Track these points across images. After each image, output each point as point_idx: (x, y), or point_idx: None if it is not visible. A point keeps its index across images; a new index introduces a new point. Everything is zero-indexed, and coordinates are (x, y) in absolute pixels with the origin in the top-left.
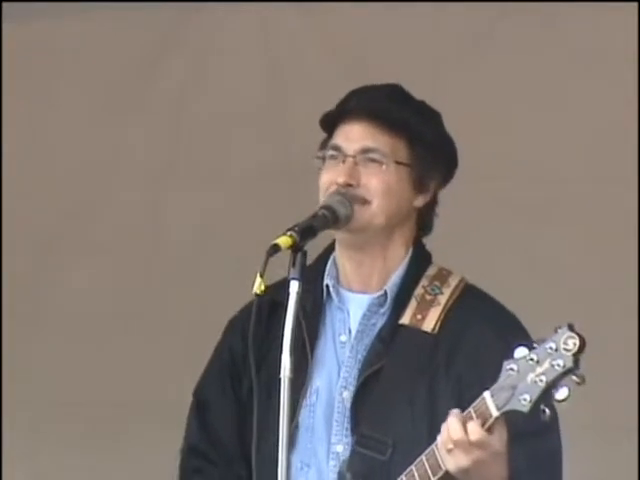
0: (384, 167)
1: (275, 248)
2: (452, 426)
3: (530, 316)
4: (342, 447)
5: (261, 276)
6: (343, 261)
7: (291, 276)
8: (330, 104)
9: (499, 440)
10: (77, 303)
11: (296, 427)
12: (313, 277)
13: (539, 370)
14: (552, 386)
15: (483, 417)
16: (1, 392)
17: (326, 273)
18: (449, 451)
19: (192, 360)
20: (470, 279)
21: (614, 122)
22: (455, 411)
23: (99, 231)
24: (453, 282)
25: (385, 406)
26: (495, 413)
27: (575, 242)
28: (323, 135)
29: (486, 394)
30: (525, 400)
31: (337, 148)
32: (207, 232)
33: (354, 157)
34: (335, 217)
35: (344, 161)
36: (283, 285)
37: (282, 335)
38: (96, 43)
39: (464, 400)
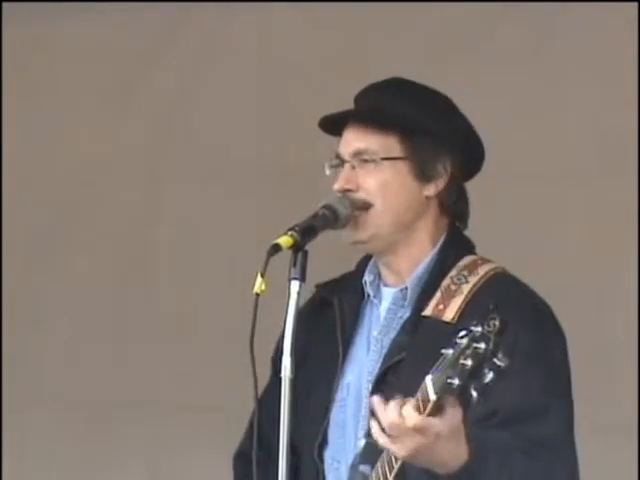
0: (375, 166)
1: (276, 248)
2: (389, 413)
3: None
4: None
5: (262, 276)
6: (378, 262)
7: (292, 276)
8: (327, 103)
9: (445, 422)
10: (73, 300)
11: (327, 423)
12: (355, 276)
13: (467, 352)
14: (477, 369)
15: (424, 402)
16: (1, 391)
17: (367, 270)
18: (393, 438)
19: (188, 358)
20: None
21: (614, 122)
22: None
23: (96, 228)
24: (482, 271)
25: (399, 398)
26: (433, 397)
27: (575, 241)
28: (320, 133)
29: (427, 378)
30: (454, 384)
31: (337, 155)
32: (204, 231)
33: (349, 161)
34: (335, 216)
35: (343, 167)
36: (334, 283)
37: (326, 331)
38: (96, 43)
39: None
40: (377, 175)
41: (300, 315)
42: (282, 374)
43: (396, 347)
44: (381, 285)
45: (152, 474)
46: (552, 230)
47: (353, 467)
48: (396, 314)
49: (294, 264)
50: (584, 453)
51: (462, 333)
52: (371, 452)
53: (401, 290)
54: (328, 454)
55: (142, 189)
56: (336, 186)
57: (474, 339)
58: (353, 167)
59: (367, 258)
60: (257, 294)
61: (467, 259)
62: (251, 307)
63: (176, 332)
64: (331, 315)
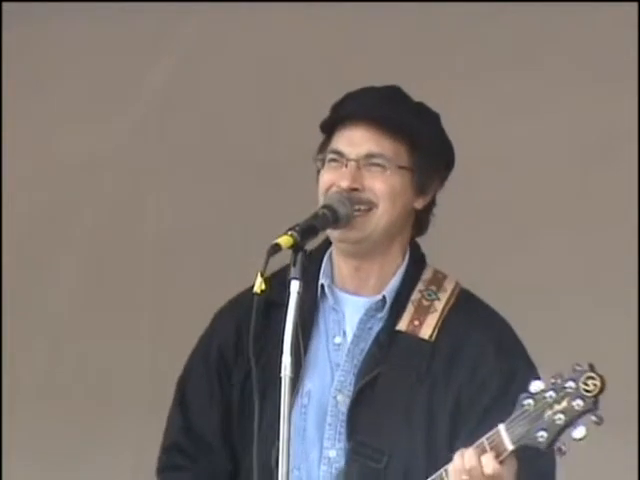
0: (388, 172)
1: (276, 248)
2: (468, 457)
3: (531, 314)
4: (335, 452)
5: (262, 276)
6: (339, 263)
7: (292, 276)
8: (327, 103)
9: (509, 471)
10: (59, 296)
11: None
12: (308, 275)
13: (557, 408)
14: (570, 425)
15: (497, 450)
16: (1, 389)
17: (321, 272)
18: None
19: (176, 354)
20: (466, 280)
21: (614, 122)
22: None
23: (82, 228)
24: (449, 287)
25: (382, 414)
26: (510, 447)
27: (575, 238)
28: (312, 133)
29: (501, 427)
30: (542, 437)
31: (339, 153)
32: (194, 229)
33: (357, 162)
34: (336, 217)
35: (347, 165)
36: (278, 283)
37: (279, 335)
38: (96, 43)
39: (461, 413)
40: (386, 180)
41: (245, 311)
42: (282, 373)
43: (371, 361)
44: (335, 289)
45: (138, 468)
46: (552, 229)
47: None
48: (366, 325)
49: (294, 264)
50: (584, 443)
51: (540, 384)
52: (355, 468)
53: (377, 302)
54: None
55: (141, 187)
56: (344, 184)
57: (569, 396)
58: (359, 167)
59: (319, 256)
60: (257, 294)
61: (428, 272)
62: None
63: (163, 327)
64: (284, 314)
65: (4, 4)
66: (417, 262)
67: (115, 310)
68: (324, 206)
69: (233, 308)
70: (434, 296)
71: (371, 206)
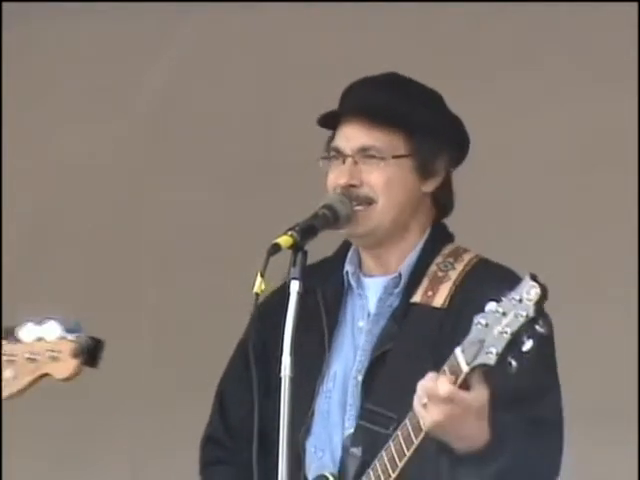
0: (383, 163)
1: (275, 248)
2: (424, 382)
3: None
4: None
5: (262, 276)
6: (362, 253)
7: (291, 276)
8: (326, 102)
9: (475, 397)
10: (60, 297)
11: (312, 414)
12: (335, 265)
13: (504, 322)
14: (517, 337)
15: (455, 373)
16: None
17: (347, 260)
18: (423, 406)
19: (175, 357)
20: None
21: (614, 122)
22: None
23: (82, 228)
24: (467, 257)
25: (392, 383)
26: (465, 368)
27: (575, 238)
28: (312, 133)
29: (457, 350)
30: (492, 353)
31: (337, 149)
32: (193, 230)
33: (352, 157)
34: (336, 216)
35: (344, 162)
36: (313, 272)
37: (305, 322)
38: (96, 43)
39: None
40: (382, 172)
41: (272, 304)
42: (282, 373)
43: (386, 336)
44: (361, 276)
45: (135, 472)
46: (553, 227)
47: (344, 448)
48: (385, 303)
49: (294, 264)
50: (584, 440)
51: (492, 303)
52: (363, 435)
53: (393, 278)
54: (310, 443)
55: (141, 187)
56: (341, 181)
57: (514, 308)
58: (355, 162)
59: (346, 246)
60: (257, 294)
61: (449, 247)
62: (238, 304)
63: (163, 327)
64: (311, 305)
65: (4, 4)
66: (438, 240)
67: (115, 310)
68: (324, 206)
69: (274, 299)
70: (450, 266)
71: (370, 201)
